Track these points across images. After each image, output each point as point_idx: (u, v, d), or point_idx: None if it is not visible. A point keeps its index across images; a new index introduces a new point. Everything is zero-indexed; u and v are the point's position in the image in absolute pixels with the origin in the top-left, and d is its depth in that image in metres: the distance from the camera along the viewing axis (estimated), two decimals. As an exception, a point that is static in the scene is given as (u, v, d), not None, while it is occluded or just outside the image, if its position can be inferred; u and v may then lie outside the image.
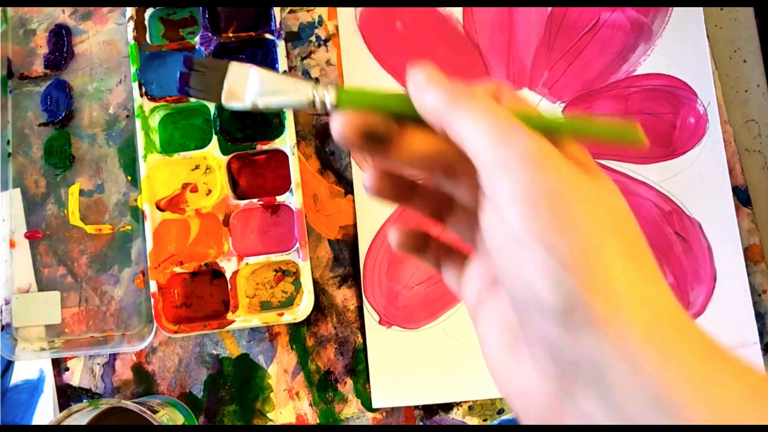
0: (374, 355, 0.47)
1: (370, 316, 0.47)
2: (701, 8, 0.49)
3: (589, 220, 0.19)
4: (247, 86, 0.25)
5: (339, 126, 0.23)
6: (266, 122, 0.49)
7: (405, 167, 0.25)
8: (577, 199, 0.19)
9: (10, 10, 0.51)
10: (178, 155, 0.47)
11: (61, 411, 0.44)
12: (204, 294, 0.48)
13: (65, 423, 0.40)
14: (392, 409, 0.47)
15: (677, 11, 0.49)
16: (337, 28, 0.50)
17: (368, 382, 0.47)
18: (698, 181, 0.47)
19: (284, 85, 0.25)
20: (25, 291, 0.48)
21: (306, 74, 0.50)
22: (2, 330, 0.47)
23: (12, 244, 0.48)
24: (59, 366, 0.48)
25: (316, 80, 0.23)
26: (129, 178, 0.49)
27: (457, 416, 0.46)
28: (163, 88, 0.49)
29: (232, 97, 0.25)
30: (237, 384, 0.47)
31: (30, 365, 0.48)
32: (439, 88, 0.22)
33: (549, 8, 0.49)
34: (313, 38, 0.50)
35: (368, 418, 0.47)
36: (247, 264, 0.46)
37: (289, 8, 0.50)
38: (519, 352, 0.22)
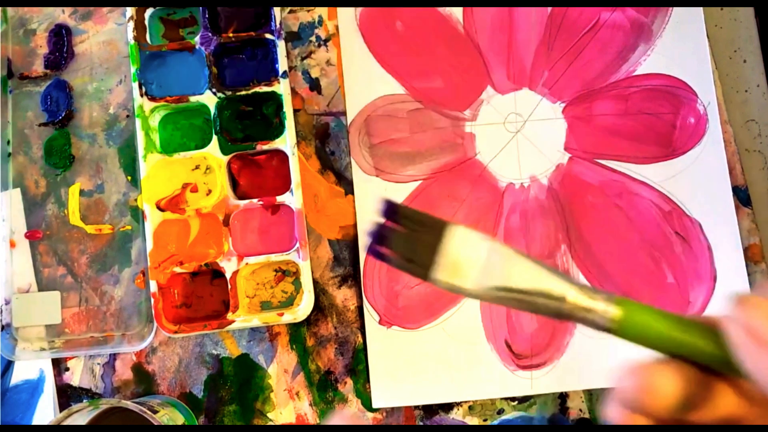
0: (374, 355, 0.47)
1: (370, 316, 0.47)
2: (701, 8, 0.49)
3: None
4: (476, 264, 0.18)
5: (651, 389, 0.16)
6: (266, 122, 0.49)
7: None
8: None
9: (10, 10, 0.51)
10: (178, 155, 0.47)
11: (61, 411, 0.44)
12: (204, 294, 0.48)
13: (65, 423, 0.40)
14: (392, 409, 0.47)
15: (677, 11, 0.49)
16: (337, 28, 0.50)
17: (368, 382, 0.47)
18: (698, 181, 0.47)
19: (535, 277, 0.18)
20: (25, 291, 0.48)
21: (306, 74, 0.50)
22: (2, 330, 0.47)
23: (12, 244, 0.48)
24: (59, 366, 0.48)
25: (592, 289, 0.18)
26: (129, 178, 0.49)
27: (457, 416, 0.46)
28: (163, 88, 0.49)
29: (451, 274, 0.18)
30: (237, 384, 0.47)
31: (30, 365, 0.48)
32: None
33: (549, 8, 0.49)
34: (313, 38, 0.50)
35: (368, 418, 0.47)
36: (247, 264, 0.46)
37: (289, 8, 0.50)
38: None
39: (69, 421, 0.41)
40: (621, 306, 0.17)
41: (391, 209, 0.19)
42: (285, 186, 0.47)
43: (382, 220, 0.18)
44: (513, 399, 0.46)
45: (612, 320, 0.17)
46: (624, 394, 0.16)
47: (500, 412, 0.46)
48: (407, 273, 0.19)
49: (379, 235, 0.18)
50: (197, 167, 0.48)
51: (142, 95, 0.47)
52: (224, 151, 0.47)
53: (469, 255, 0.18)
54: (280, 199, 0.46)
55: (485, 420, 0.46)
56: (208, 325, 0.45)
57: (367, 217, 0.48)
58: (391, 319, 0.47)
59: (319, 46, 0.50)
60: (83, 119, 0.50)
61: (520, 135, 0.48)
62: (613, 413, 0.17)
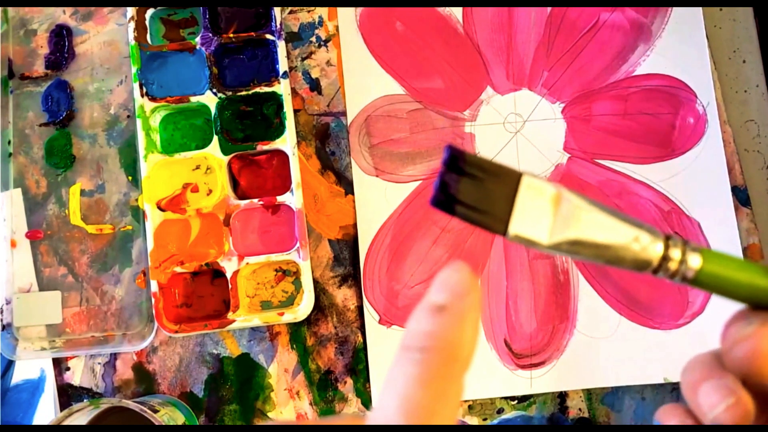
0: (374, 355, 0.47)
1: (370, 316, 0.47)
2: (700, 8, 0.49)
3: None
4: (551, 216, 0.17)
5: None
6: (267, 123, 0.49)
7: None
8: None
9: (10, 11, 0.51)
10: (178, 155, 0.47)
11: (61, 410, 0.44)
12: (205, 294, 0.48)
13: (66, 422, 0.40)
14: (392, 408, 0.47)
15: (677, 11, 0.49)
16: (337, 28, 0.50)
17: (368, 381, 0.47)
18: (698, 181, 0.47)
19: (612, 228, 0.17)
20: (26, 291, 0.48)
21: (306, 74, 0.50)
22: (3, 330, 0.47)
23: (13, 244, 0.48)
24: (60, 365, 0.48)
25: (667, 237, 0.17)
26: (130, 178, 0.49)
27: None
28: (163, 88, 0.49)
29: (525, 227, 0.17)
30: (237, 383, 0.47)
31: (31, 365, 0.48)
32: None
33: (548, 8, 0.49)
34: (313, 39, 0.50)
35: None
36: (247, 264, 0.46)
37: (289, 9, 0.50)
38: None
39: (69, 421, 0.41)
40: (701, 254, 0.16)
41: (454, 157, 0.17)
42: (285, 186, 0.47)
43: (444, 168, 0.17)
44: (512, 398, 0.46)
45: (691, 269, 0.17)
46: (736, 362, 0.15)
47: (500, 411, 0.47)
48: (477, 225, 0.18)
49: (443, 184, 0.17)
50: (198, 167, 0.48)
51: (142, 95, 0.47)
52: (225, 151, 0.47)
53: (541, 206, 0.17)
54: (280, 199, 0.46)
55: (485, 419, 0.47)
56: (208, 325, 0.45)
57: (367, 217, 0.48)
58: (391, 319, 0.47)
59: (320, 46, 0.50)
60: (84, 119, 0.50)
61: (520, 135, 0.49)
62: (711, 395, 0.15)
